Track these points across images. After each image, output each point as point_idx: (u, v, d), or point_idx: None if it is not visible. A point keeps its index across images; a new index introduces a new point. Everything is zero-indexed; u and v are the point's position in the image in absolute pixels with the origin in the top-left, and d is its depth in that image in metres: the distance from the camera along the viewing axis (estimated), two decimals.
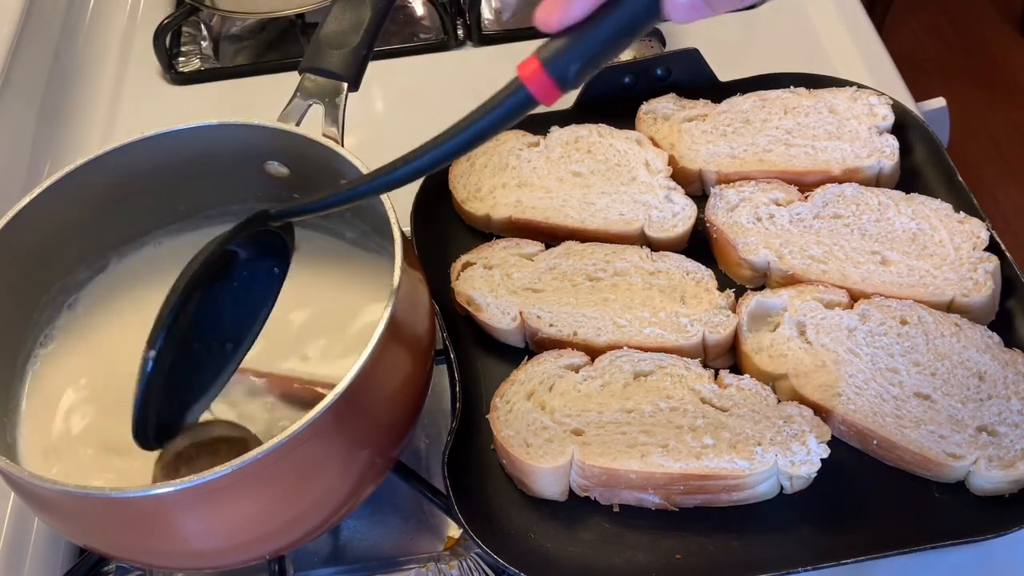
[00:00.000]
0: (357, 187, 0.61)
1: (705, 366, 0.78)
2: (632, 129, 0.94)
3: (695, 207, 0.87)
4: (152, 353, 0.63)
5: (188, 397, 0.69)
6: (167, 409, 0.67)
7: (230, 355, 0.69)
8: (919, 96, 1.03)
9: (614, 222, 0.87)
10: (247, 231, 0.65)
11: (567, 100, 0.97)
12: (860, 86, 0.94)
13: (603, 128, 0.94)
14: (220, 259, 0.65)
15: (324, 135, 0.75)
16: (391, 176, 0.58)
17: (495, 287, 0.84)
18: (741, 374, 0.77)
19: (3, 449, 0.71)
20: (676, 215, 0.87)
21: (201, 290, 0.65)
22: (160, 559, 0.67)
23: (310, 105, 0.77)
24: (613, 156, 0.92)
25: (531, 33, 1.12)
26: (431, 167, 0.57)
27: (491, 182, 0.91)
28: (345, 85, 0.77)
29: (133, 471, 0.72)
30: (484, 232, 0.91)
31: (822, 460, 0.70)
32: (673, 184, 0.89)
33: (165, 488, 0.58)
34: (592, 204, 0.89)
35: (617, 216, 0.88)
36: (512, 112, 0.53)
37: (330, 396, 0.60)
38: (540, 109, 0.94)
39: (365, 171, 0.72)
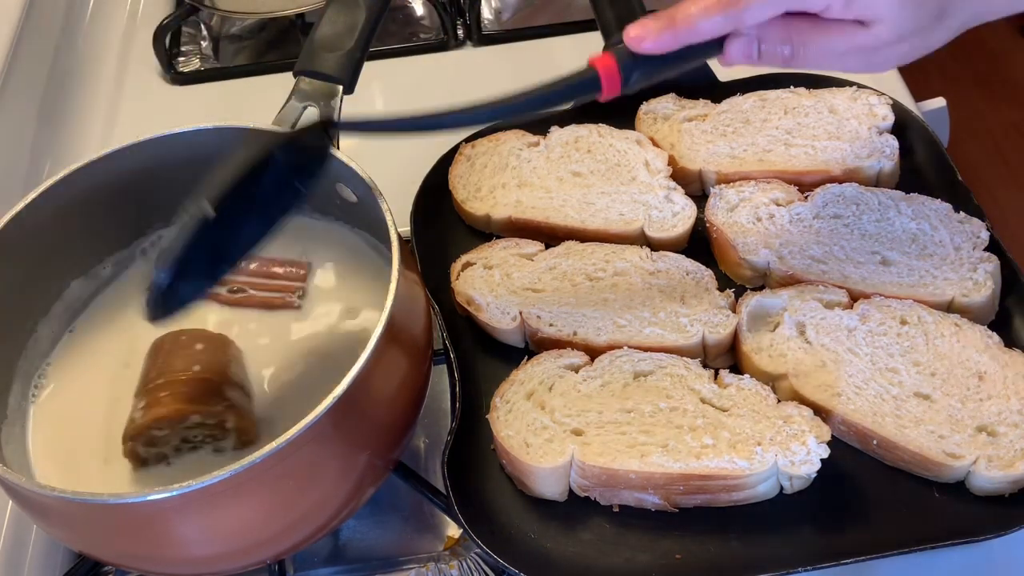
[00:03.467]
0: (420, 119, 0.66)
1: (705, 366, 0.78)
2: (632, 129, 0.94)
3: (695, 207, 0.87)
4: (208, 209, 0.62)
5: (197, 276, 0.65)
6: (181, 280, 0.64)
7: (238, 251, 0.68)
8: (919, 96, 1.03)
9: (614, 222, 0.87)
10: (306, 136, 0.69)
11: None
12: (860, 86, 0.94)
13: (603, 128, 0.94)
14: (267, 154, 0.66)
15: None
16: (457, 116, 0.65)
17: (495, 287, 0.83)
18: (741, 374, 0.77)
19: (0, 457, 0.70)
20: (676, 215, 0.87)
21: (245, 176, 0.65)
22: (159, 565, 0.66)
23: (305, 107, 0.77)
24: (613, 156, 0.92)
25: (531, 33, 1.13)
26: (496, 118, 0.67)
27: (491, 182, 0.91)
28: (340, 88, 0.77)
29: (136, 479, 0.71)
30: (484, 232, 0.91)
31: (822, 460, 0.70)
32: (673, 184, 0.89)
33: (162, 494, 0.58)
34: (592, 204, 0.89)
35: (617, 216, 0.87)
36: (577, 89, 0.60)
37: (328, 399, 0.60)
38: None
39: (360, 172, 0.72)
